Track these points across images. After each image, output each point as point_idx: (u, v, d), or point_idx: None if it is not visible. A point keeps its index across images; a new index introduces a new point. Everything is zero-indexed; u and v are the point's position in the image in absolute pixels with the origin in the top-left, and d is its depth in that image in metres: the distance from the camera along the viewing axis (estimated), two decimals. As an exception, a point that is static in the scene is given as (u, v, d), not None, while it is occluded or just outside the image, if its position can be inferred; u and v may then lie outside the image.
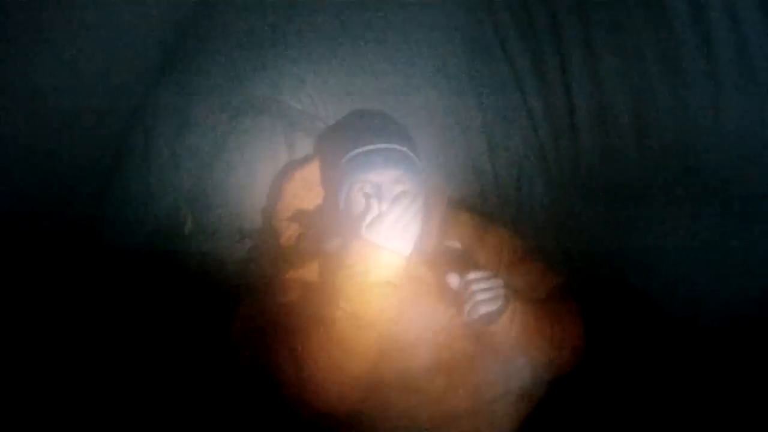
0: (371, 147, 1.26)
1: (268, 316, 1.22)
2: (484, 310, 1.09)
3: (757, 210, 1.32)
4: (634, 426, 1.18)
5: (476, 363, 1.16)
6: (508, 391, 1.17)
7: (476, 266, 1.28)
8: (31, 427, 1.22)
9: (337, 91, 1.69)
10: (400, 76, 1.70)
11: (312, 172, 1.44)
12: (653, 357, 1.33)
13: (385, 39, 1.69)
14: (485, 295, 1.09)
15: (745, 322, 1.25)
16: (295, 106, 1.68)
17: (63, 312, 1.38)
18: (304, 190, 1.43)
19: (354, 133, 1.33)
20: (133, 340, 1.41)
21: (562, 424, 1.19)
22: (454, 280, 1.13)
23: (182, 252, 1.60)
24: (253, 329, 1.30)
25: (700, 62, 1.39)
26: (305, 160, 1.50)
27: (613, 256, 1.55)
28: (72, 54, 1.25)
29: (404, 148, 1.29)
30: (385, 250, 1.10)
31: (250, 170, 1.64)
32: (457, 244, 1.32)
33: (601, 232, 1.60)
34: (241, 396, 1.34)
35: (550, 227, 1.68)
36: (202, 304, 1.51)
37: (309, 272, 1.25)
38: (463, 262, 1.27)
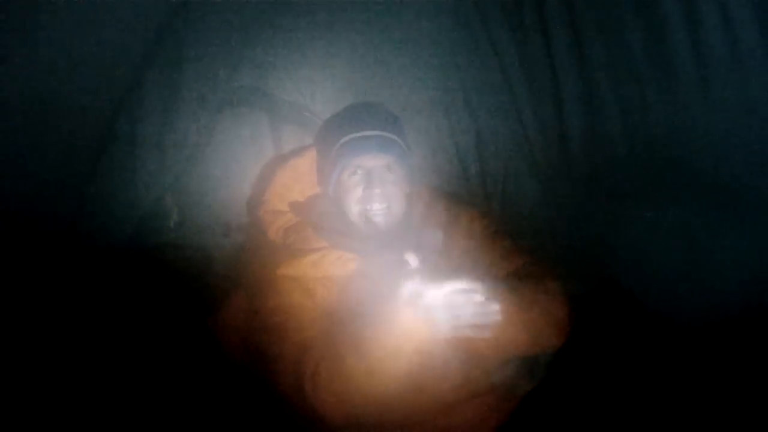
0: (365, 133, 1.28)
1: (264, 318, 1.22)
2: (471, 332, 0.99)
3: (746, 203, 1.33)
4: (621, 424, 1.18)
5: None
6: (492, 386, 1.17)
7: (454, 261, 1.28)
8: (19, 422, 1.21)
9: (325, 83, 1.69)
10: (388, 70, 1.70)
11: (303, 162, 1.43)
12: (639, 353, 1.33)
13: (374, 33, 1.69)
14: (474, 314, 0.98)
15: (733, 317, 1.25)
16: (282, 97, 1.67)
17: (47, 305, 1.36)
18: (294, 180, 1.41)
19: (348, 120, 1.34)
20: (118, 333, 1.39)
21: (548, 422, 1.18)
22: (412, 259, 1.05)
23: (168, 244, 1.58)
24: (247, 329, 1.30)
25: (688, 55, 1.39)
26: (298, 151, 1.50)
27: (600, 251, 1.56)
28: (56, 43, 1.23)
29: (396, 137, 1.30)
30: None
31: (235, 161, 1.63)
32: (439, 234, 1.31)
33: (588, 227, 1.62)
34: (226, 388, 1.34)
35: (537, 222, 1.69)
36: (189, 296, 1.51)
37: (298, 268, 1.25)
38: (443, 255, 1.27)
